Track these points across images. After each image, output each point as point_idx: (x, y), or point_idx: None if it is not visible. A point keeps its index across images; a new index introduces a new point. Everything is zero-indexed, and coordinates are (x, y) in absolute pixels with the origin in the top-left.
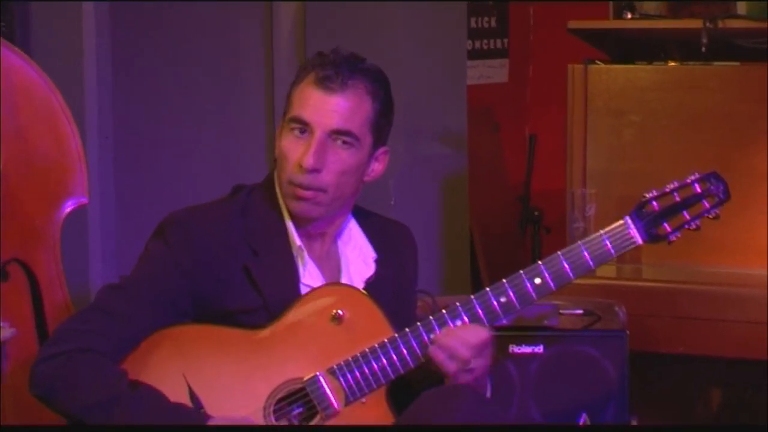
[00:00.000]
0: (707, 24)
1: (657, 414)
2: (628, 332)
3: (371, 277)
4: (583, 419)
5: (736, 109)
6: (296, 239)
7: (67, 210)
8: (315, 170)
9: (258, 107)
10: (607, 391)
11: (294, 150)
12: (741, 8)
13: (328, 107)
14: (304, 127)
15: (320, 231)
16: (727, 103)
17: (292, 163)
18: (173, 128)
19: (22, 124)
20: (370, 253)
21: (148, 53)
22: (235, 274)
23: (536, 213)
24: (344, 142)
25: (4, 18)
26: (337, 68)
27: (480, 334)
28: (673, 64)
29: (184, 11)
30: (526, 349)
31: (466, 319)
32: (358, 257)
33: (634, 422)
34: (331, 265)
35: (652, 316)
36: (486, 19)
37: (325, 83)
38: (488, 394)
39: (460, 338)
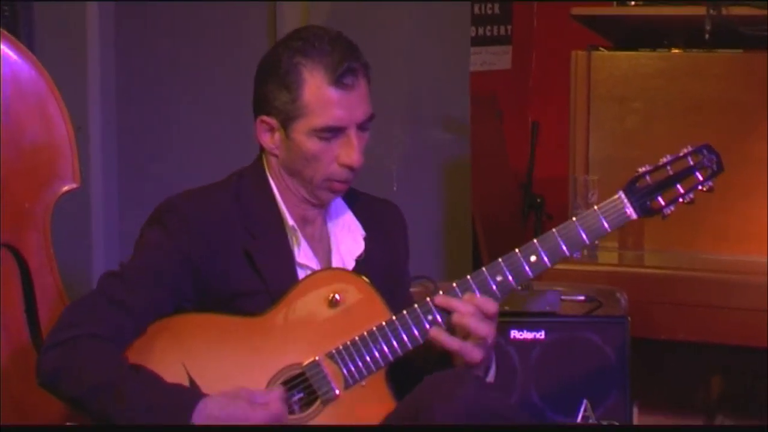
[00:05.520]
0: (710, 11)
1: (658, 400)
2: (629, 318)
3: (361, 254)
4: (585, 405)
5: (739, 96)
6: (289, 220)
7: (57, 194)
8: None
9: None
10: (608, 377)
11: (326, 152)
12: None
13: (352, 104)
14: (336, 132)
15: (316, 212)
16: (730, 90)
17: (326, 163)
18: (177, 125)
19: (10, 108)
20: (358, 231)
21: (152, 53)
22: (235, 258)
23: (538, 200)
24: (366, 126)
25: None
26: (343, 61)
27: (489, 305)
28: (676, 51)
29: (188, 12)
30: (528, 335)
31: None
32: (347, 235)
33: (635, 408)
34: (323, 244)
35: (654, 302)
36: (489, 5)
37: (342, 81)
38: (493, 369)
39: (471, 313)
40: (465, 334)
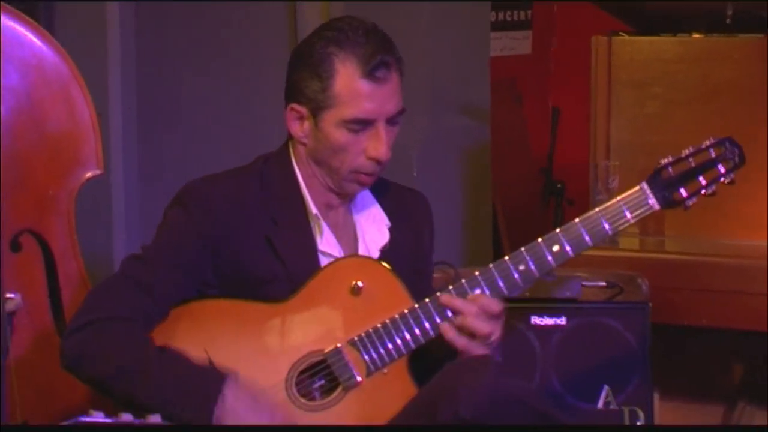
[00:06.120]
0: None
1: (679, 386)
2: (650, 304)
3: (386, 244)
4: (605, 391)
5: (760, 81)
6: (312, 208)
7: (81, 180)
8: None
9: (281, 108)
10: (629, 364)
11: (354, 143)
12: None
13: (383, 98)
14: (365, 124)
15: (341, 201)
16: (751, 75)
17: (353, 154)
18: (196, 115)
19: (34, 95)
20: (383, 221)
21: (172, 51)
22: (256, 243)
23: (559, 185)
24: (396, 120)
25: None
26: (376, 54)
27: (494, 305)
28: (697, 36)
29: (209, 12)
30: (549, 321)
31: (486, 288)
32: (372, 225)
33: (656, 394)
34: (347, 233)
35: (675, 288)
36: None
37: (374, 74)
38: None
39: (475, 314)
40: (470, 334)
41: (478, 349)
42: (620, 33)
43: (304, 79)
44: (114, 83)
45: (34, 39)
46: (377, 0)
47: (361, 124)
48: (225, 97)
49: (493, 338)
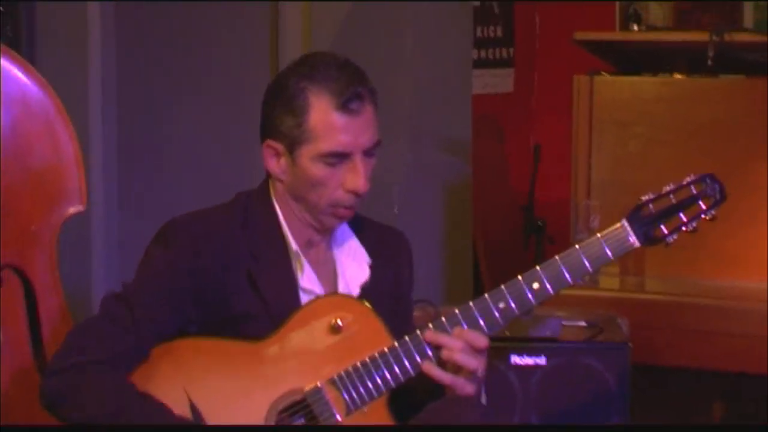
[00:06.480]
0: (713, 37)
1: None
2: (630, 344)
3: (366, 282)
4: None
5: (741, 121)
6: (293, 245)
7: (64, 216)
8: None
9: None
10: (608, 403)
11: (332, 177)
12: (748, 21)
13: (358, 130)
14: (341, 157)
15: (321, 237)
16: (732, 115)
17: (331, 188)
18: (178, 130)
19: (18, 129)
20: (364, 258)
21: (153, 54)
22: (237, 279)
23: (540, 223)
24: (372, 152)
25: (10, 20)
26: (350, 86)
27: (479, 339)
28: (678, 76)
29: (190, 12)
30: (528, 360)
31: (465, 326)
32: (352, 262)
33: None
34: (327, 270)
35: (655, 328)
36: (492, 28)
37: (348, 107)
38: (484, 401)
39: (461, 349)
40: (456, 369)
41: (465, 386)
42: (602, 73)
43: (278, 115)
44: (94, 101)
45: (19, 73)
46: (361, 0)
47: (338, 157)
48: (207, 112)
49: (479, 373)
